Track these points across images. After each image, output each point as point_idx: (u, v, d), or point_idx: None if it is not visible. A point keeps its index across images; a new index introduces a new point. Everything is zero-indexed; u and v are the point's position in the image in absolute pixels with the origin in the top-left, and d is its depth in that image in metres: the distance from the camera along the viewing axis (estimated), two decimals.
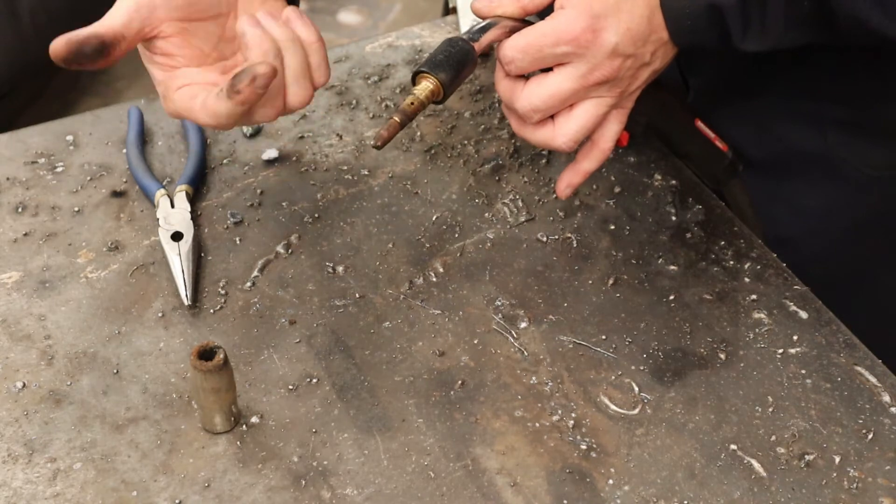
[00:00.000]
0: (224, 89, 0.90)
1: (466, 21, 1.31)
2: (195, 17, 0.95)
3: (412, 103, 0.93)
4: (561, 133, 0.95)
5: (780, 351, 1.01)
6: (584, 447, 0.93)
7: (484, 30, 0.96)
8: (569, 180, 1.01)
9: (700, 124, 1.11)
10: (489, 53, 1.30)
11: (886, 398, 0.97)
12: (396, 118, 0.93)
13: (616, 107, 0.96)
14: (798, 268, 1.08)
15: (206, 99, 0.91)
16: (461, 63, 0.95)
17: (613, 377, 0.99)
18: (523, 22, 0.96)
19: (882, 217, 1.20)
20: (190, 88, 0.94)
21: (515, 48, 0.92)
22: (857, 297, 1.18)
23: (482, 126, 1.22)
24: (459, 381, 0.98)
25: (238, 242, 1.10)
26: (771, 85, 1.15)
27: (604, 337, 1.02)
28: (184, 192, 1.11)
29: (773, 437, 0.94)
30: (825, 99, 1.13)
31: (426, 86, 0.94)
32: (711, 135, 1.11)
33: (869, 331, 1.04)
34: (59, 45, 0.89)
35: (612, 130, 0.97)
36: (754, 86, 1.16)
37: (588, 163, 0.99)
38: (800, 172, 1.18)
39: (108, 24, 0.91)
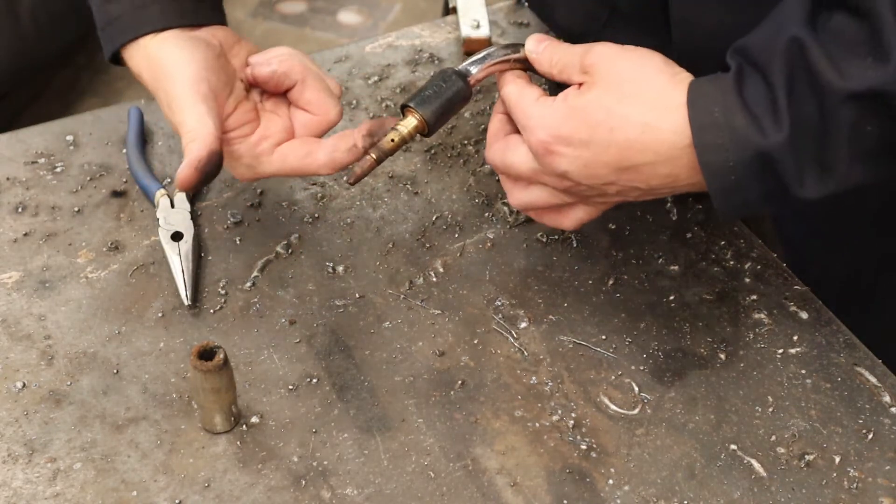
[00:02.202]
0: (359, 146, 0.94)
1: (466, 21, 1.31)
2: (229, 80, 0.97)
3: (393, 140, 0.93)
4: (564, 219, 0.95)
5: (780, 351, 1.01)
6: (584, 447, 0.93)
7: (483, 61, 0.95)
8: (525, 207, 0.99)
9: None
10: None
11: (886, 398, 0.97)
12: (373, 155, 0.93)
13: (582, 203, 0.94)
14: (804, 268, 1.08)
15: (335, 155, 0.95)
16: (451, 100, 0.94)
17: (613, 377, 0.99)
18: (528, 62, 0.94)
19: (890, 218, 1.19)
20: (291, 145, 0.97)
21: (509, 97, 0.92)
22: (863, 298, 1.17)
23: (482, 126, 1.22)
24: (459, 381, 0.98)
25: (238, 242, 1.10)
26: None
27: (604, 337, 1.02)
28: (184, 192, 1.11)
29: (773, 437, 0.94)
30: None
31: (410, 121, 0.93)
32: None
33: (875, 332, 1.03)
34: (187, 177, 0.90)
35: (575, 216, 0.95)
36: None
37: (546, 218, 0.97)
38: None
39: (205, 134, 0.91)
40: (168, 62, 0.95)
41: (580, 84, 0.89)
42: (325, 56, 1.30)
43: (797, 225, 1.21)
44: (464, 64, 0.96)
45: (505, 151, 0.93)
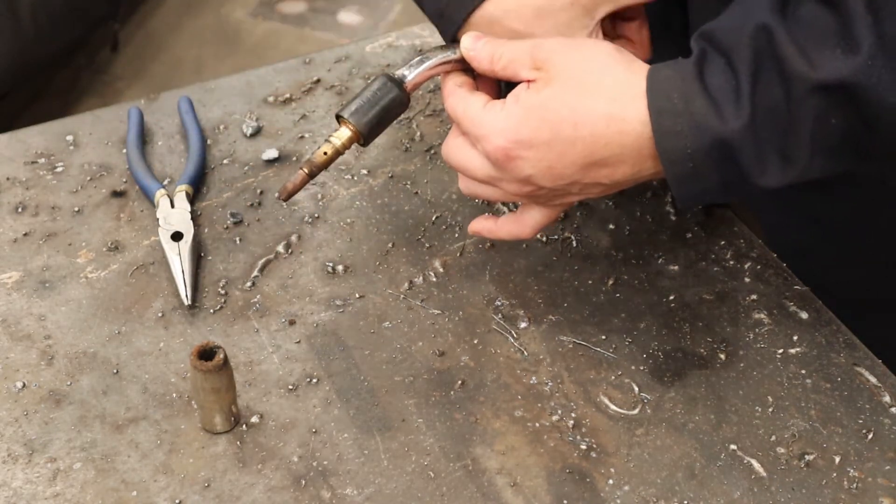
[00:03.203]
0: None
1: None
2: None
3: (325, 153, 0.91)
4: (523, 227, 0.94)
5: (780, 351, 1.01)
6: (584, 447, 0.93)
7: (419, 64, 0.92)
8: (479, 231, 0.98)
9: None
10: None
11: (886, 398, 0.97)
12: (305, 170, 0.91)
13: (540, 205, 0.92)
14: (814, 278, 1.07)
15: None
16: (386, 109, 0.91)
17: (613, 377, 0.99)
18: (465, 62, 0.91)
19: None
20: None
21: (454, 111, 0.89)
22: (876, 308, 1.17)
23: None
24: (459, 381, 0.98)
25: (238, 242, 1.10)
26: None
27: (604, 337, 1.02)
28: (184, 192, 1.11)
29: (773, 437, 0.94)
30: None
31: (344, 132, 0.91)
32: None
33: (888, 342, 1.03)
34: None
35: (533, 220, 0.93)
36: None
37: (503, 234, 0.96)
38: (818, 183, 1.15)
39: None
40: None
41: (530, 82, 0.86)
42: (325, 56, 1.30)
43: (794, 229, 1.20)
44: (400, 70, 0.93)
45: (459, 149, 0.90)
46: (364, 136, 0.92)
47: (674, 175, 0.82)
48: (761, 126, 0.79)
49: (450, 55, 0.92)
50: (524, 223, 0.94)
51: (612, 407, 0.96)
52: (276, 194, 0.91)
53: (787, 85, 0.78)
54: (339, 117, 0.92)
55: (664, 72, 0.82)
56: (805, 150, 0.80)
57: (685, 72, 0.81)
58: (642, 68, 0.84)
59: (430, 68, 0.93)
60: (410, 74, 0.93)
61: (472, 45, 0.90)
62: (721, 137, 0.79)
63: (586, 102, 0.83)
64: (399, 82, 0.92)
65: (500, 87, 0.94)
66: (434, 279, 1.07)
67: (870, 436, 0.94)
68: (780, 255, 1.09)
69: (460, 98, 0.89)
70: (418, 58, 0.93)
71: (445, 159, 0.93)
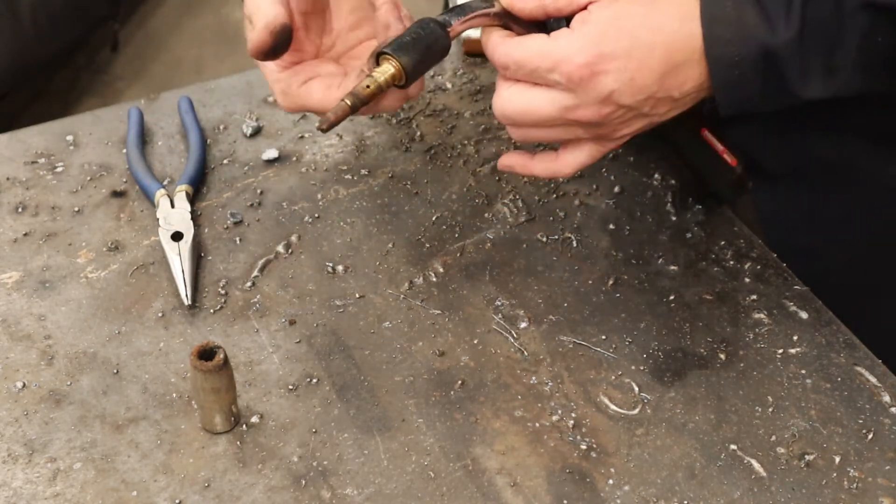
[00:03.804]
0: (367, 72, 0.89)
1: None
2: (312, 10, 0.95)
3: (368, 86, 0.87)
4: (563, 165, 0.92)
5: (780, 351, 1.01)
6: (584, 447, 0.93)
7: (462, 12, 0.90)
8: (512, 166, 0.97)
9: (707, 135, 1.04)
10: None
11: (886, 398, 0.97)
12: (347, 101, 0.87)
13: (592, 142, 0.91)
14: (815, 278, 1.07)
15: (349, 86, 0.91)
16: (429, 48, 0.88)
17: (613, 377, 0.99)
18: (511, 17, 0.90)
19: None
20: (321, 80, 0.94)
21: (510, 57, 0.87)
22: (875, 307, 1.17)
23: (482, 126, 1.22)
24: (459, 381, 0.98)
25: (238, 242, 1.10)
26: None
27: (604, 337, 1.02)
28: (184, 192, 1.11)
29: (773, 437, 0.94)
30: (844, 108, 1.11)
31: (387, 69, 0.88)
32: (720, 147, 1.04)
33: (887, 340, 1.03)
34: (261, 39, 0.89)
35: (576, 159, 0.93)
36: None
37: (539, 171, 0.95)
38: (818, 182, 1.13)
39: (276, 13, 0.90)
40: None
41: (590, 3, 0.86)
42: None
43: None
44: (442, 14, 0.91)
45: (519, 95, 0.88)
46: (407, 73, 0.88)
47: (719, 81, 0.85)
48: (809, 39, 0.82)
49: (489, 9, 0.90)
50: (565, 161, 0.93)
51: (612, 407, 0.96)
52: (318, 124, 0.88)
53: (839, 1, 0.80)
54: (379, 55, 0.89)
55: None
56: (849, 65, 0.82)
57: None
58: None
59: (471, 17, 0.90)
60: (454, 20, 0.90)
61: None
62: (768, 48, 0.82)
63: (659, 7, 0.85)
64: (442, 25, 0.90)
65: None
66: (434, 279, 1.07)
67: (870, 436, 0.94)
68: (779, 255, 1.09)
69: (515, 42, 0.88)
70: (458, 6, 0.90)
71: (500, 112, 0.90)
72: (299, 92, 0.95)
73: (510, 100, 0.89)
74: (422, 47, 0.88)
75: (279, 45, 0.91)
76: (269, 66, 0.96)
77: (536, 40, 0.87)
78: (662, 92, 0.86)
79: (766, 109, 0.89)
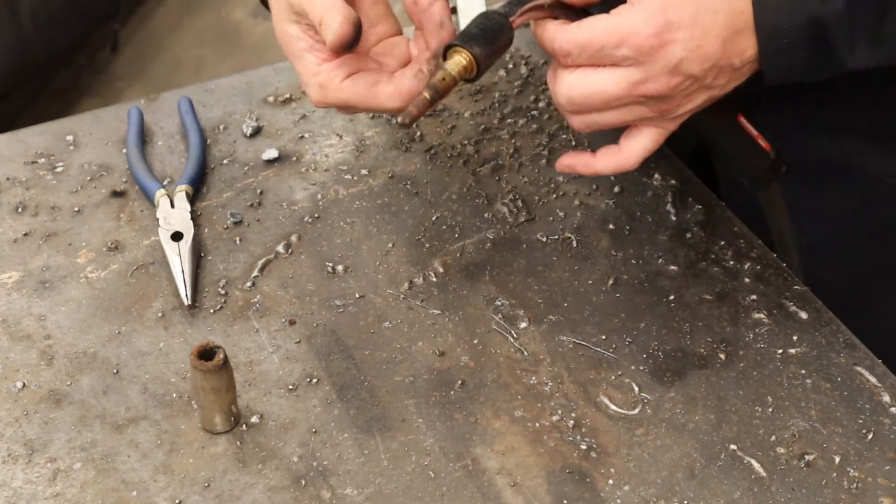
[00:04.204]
0: (425, 71, 0.90)
1: (466, 20, 1.31)
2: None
3: (443, 79, 0.87)
4: (629, 155, 0.92)
5: (780, 351, 1.01)
6: (584, 447, 0.93)
7: (520, 3, 0.89)
8: (573, 166, 0.97)
9: (743, 120, 1.04)
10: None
11: (886, 398, 0.97)
12: (426, 94, 0.87)
13: (654, 123, 0.91)
14: (813, 276, 1.07)
15: (402, 82, 0.91)
16: (496, 37, 0.88)
17: (613, 377, 0.99)
18: (564, 6, 0.90)
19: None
20: (367, 75, 0.93)
21: (573, 42, 0.87)
22: (874, 305, 1.17)
23: (482, 126, 1.22)
24: (459, 381, 0.98)
25: (238, 242, 1.10)
26: (788, 92, 1.12)
27: (604, 337, 1.02)
28: (184, 192, 1.11)
29: (773, 437, 0.94)
30: (842, 106, 1.11)
31: (458, 61, 0.88)
32: (754, 132, 1.04)
33: (886, 339, 1.03)
34: (346, 31, 0.88)
35: (642, 145, 0.93)
36: (770, 93, 1.13)
37: (603, 167, 0.95)
38: (816, 180, 1.14)
39: (347, 6, 0.89)
40: None
41: None
42: None
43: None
44: (499, 6, 0.90)
45: (583, 78, 0.88)
46: (479, 64, 0.88)
47: (766, 49, 0.86)
48: (857, 8, 0.83)
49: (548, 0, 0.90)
50: (630, 151, 0.93)
51: (612, 407, 0.96)
52: (398, 118, 0.88)
53: None
54: (448, 48, 0.89)
55: None
56: (894, 34, 0.84)
57: None
58: None
59: (528, 9, 0.90)
60: (513, 12, 0.90)
61: None
62: (818, 16, 0.83)
63: None
64: (505, 17, 0.90)
65: None
66: (434, 279, 1.07)
67: (870, 436, 0.94)
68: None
69: (576, 26, 0.88)
70: None
71: (565, 98, 0.90)
72: (342, 86, 0.93)
73: (574, 84, 0.89)
74: (490, 38, 0.88)
75: (358, 36, 0.90)
76: (309, 59, 0.94)
77: (598, 20, 0.87)
78: (725, 60, 0.87)
79: (812, 79, 0.90)
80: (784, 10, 0.85)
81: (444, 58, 0.89)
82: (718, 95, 0.91)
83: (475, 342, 1.01)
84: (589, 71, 0.88)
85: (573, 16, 0.91)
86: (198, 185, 1.14)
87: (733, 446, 0.94)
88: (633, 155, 0.94)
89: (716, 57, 0.86)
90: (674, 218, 1.13)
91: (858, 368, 0.99)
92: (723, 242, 1.10)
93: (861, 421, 0.95)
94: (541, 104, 1.24)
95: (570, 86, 0.89)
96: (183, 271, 1.04)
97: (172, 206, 1.10)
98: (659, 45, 0.85)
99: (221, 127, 1.21)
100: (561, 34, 0.88)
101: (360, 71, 0.95)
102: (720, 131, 1.07)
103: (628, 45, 0.85)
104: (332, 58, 0.94)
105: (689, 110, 0.91)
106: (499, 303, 1.04)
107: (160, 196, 1.11)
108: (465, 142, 1.20)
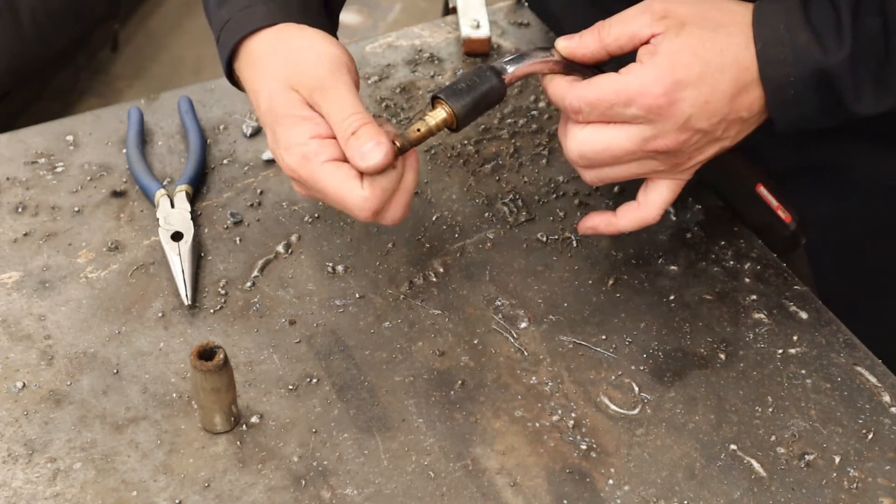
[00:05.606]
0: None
1: (466, 20, 1.31)
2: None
3: (419, 129, 0.90)
4: (650, 209, 0.94)
5: (780, 351, 1.01)
6: (584, 447, 0.93)
7: (520, 60, 0.92)
8: (596, 227, 0.98)
9: (762, 190, 1.06)
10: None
11: (886, 398, 0.97)
12: (397, 143, 0.89)
13: (668, 175, 0.93)
14: (814, 277, 1.07)
15: (375, 190, 0.88)
16: (484, 96, 0.90)
17: (613, 377, 0.99)
18: (570, 63, 0.92)
19: None
20: (348, 168, 0.88)
21: (584, 100, 0.88)
22: (871, 306, 1.17)
23: (482, 126, 1.22)
24: (459, 381, 0.98)
25: (238, 242, 1.10)
26: None
27: (604, 337, 1.02)
28: (184, 192, 1.11)
29: (773, 437, 0.94)
30: None
31: (439, 113, 0.90)
32: (774, 203, 1.06)
33: (883, 340, 1.03)
34: (385, 156, 0.86)
35: (661, 197, 0.94)
36: None
37: (626, 224, 0.96)
38: (813, 182, 1.14)
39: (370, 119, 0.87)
40: (308, 41, 0.91)
41: (653, 36, 0.88)
42: None
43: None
44: (499, 61, 0.93)
45: (595, 133, 0.89)
46: (458, 120, 0.90)
47: (774, 101, 0.87)
48: (860, 56, 0.84)
49: (548, 56, 0.92)
50: (650, 205, 0.94)
51: (612, 407, 0.96)
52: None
53: (885, 16, 0.83)
54: (434, 98, 0.91)
55: (770, 6, 0.87)
56: None
57: (790, 6, 0.87)
58: (747, 3, 0.89)
59: (530, 64, 0.92)
60: (511, 67, 0.92)
61: (569, 42, 0.91)
62: (822, 68, 0.85)
63: (723, 30, 0.87)
64: (499, 73, 0.92)
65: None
66: (434, 279, 1.07)
67: (870, 436, 0.94)
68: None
69: (585, 84, 0.89)
70: (518, 53, 0.93)
71: (578, 153, 0.91)
72: (323, 167, 0.88)
73: (586, 140, 0.90)
74: (476, 94, 0.90)
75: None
76: (303, 129, 0.89)
77: (607, 79, 0.88)
78: (733, 113, 0.88)
79: (822, 126, 0.90)
80: (789, 62, 0.86)
81: (433, 105, 0.91)
82: (729, 146, 0.92)
83: (475, 342, 1.01)
84: (600, 127, 0.90)
85: (580, 70, 0.92)
86: (198, 185, 1.14)
87: (733, 446, 0.94)
88: (653, 208, 0.95)
89: (724, 112, 0.88)
90: (674, 218, 1.13)
91: (858, 368, 0.99)
92: (723, 242, 1.10)
93: (861, 421, 0.95)
94: (541, 104, 1.24)
95: (581, 142, 0.91)
96: (183, 271, 1.04)
97: (172, 206, 1.10)
98: (668, 104, 0.86)
99: (221, 127, 1.21)
100: (571, 92, 0.90)
101: (343, 160, 0.89)
102: (740, 202, 1.08)
103: (638, 104, 0.87)
104: (325, 137, 0.89)
105: (701, 161, 0.92)
106: (499, 303, 1.04)
107: (160, 196, 1.11)
108: (465, 142, 1.20)
